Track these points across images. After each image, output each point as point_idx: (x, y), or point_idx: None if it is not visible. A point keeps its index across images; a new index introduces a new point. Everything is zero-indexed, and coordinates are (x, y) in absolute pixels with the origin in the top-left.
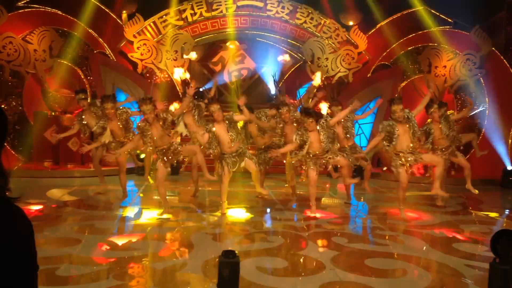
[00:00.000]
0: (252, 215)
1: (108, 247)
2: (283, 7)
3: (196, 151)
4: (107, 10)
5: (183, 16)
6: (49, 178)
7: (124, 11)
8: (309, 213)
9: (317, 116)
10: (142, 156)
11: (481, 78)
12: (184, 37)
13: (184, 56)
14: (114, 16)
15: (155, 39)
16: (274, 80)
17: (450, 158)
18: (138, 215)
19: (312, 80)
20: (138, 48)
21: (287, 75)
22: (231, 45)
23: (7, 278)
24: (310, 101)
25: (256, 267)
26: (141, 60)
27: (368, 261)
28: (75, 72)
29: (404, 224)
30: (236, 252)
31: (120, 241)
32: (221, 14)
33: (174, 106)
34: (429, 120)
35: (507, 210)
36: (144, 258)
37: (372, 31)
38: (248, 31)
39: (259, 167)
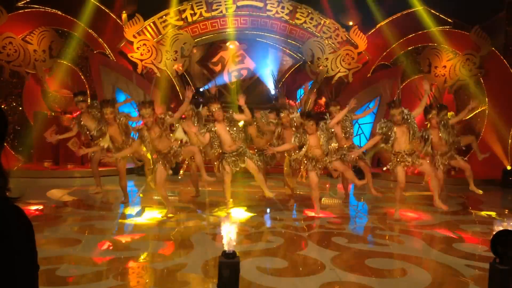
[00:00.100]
0: (252, 215)
1: (108, 247)
2: (283, 7)
3: (194, 152)
4: (107, 10)
5: (183, 16)
6: (49, 178)
7: (124, 11)
8: (308, 213)
9: (318, 118)
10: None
11: (481, 78)
12: (184, 37)
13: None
14: (114, 16)
15: (155, 39)
16: (273, 79)
17: (450, 163)
18: (138, 215)
19: (311, 80)
20: (138, 48)
21: (287, 75)
22: (231, 45)
23: (7, 279)
24: (309, 102)
25: (256, 267)
26: (141, 60)
27: (368, 261)
28: (75, 73)
29: (404, 224)
30: (236, 252)
31: (120, 241)
32: (221, 14)
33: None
34: (428, 125)
35: (507, 210)
36: (144, 258)
37: (372, 31)
38: (248, 31)
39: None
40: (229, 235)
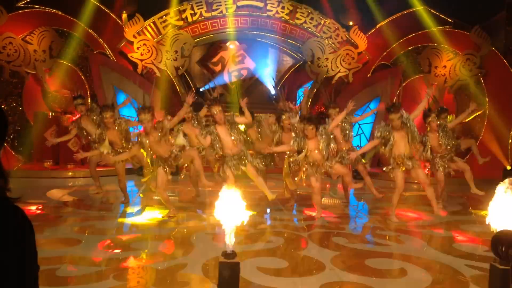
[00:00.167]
0: (252, 215)
1: (108, 247)
2: (283, 7)
3: (194, 156)
4: (107, 10)
5: (183, 16)
6: (49, 178)
7: (124, 12)
8: (308, 213)
9: (318, 122)
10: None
11: (481, 78)
12: (184, 37)
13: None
14: (114, 16)
15: (155, 39)
16: (273, 80)
17: (450, 166)
18: (138, 215)
19: (311, 80)
20: (138, 48)
21: (287, 75)
22: (231, 45)
23: (8, 279)
24: (308, 103)
25: (256, 267)
26: (141, 60)
27: (368, 261)
28: (75, 73)
29: (404, 224)
30: (236, 252)
31: (120, 241)
32: (221, 14)
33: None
34: (428, 129)
35: None
36: (144, 258)
37: (372, 31)
38: (248, 31)
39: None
40: (229, 235)
